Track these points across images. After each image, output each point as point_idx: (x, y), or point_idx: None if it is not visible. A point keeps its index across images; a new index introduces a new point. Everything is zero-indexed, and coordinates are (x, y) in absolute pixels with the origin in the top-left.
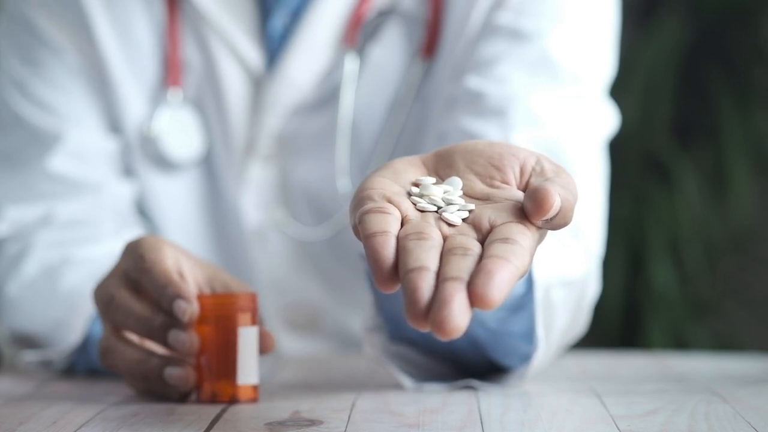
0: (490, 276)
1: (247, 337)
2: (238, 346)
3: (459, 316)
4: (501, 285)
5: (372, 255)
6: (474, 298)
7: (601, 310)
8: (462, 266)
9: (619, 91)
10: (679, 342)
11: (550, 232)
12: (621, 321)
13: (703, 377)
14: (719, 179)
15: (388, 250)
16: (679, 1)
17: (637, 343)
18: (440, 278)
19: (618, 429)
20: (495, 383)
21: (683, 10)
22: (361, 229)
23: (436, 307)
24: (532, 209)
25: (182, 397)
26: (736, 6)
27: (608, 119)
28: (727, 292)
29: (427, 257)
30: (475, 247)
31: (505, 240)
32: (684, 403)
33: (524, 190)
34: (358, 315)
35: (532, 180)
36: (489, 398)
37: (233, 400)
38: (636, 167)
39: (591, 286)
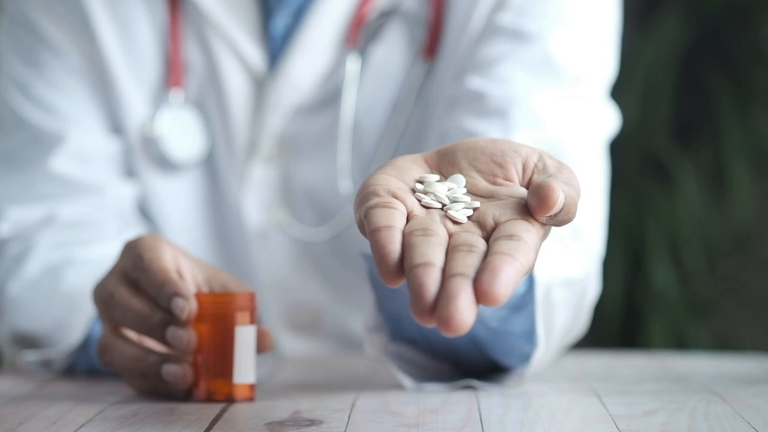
0: (495, 273)
1: (245, 336)
2: (235, 344)
3: (465, 313)
4: (507, 281)
5: (378, 249)
6: (480, 294)
7: (601, 310)
8: (468, 263)
9: (619, 91)
10: (679, 342)
11: (551, 233)
12: (621, 321)
13: (702, 377)
14: (719, 179)
15: (393, 244)
16: (679, 1)
17: (637, 343)
18: (446, 274)
19: (618, 429)
20: (495, 383)
21: (683, 10)
22: (367, 224)
23: (443, 303)
24: (536, 205)
25: (186, 394)
26: (736, 6)
27: (609, 120)
28: (727, 292)
29: (432, 253)
30: (481, 244)
31: (510, 237)
32: (684, 403)
33: (527, 187)
34: (359, 316)
35: (535, 177)
36: (489, 398)
37: (229, 399)
38: (636, 167)
39: (591, 287)
